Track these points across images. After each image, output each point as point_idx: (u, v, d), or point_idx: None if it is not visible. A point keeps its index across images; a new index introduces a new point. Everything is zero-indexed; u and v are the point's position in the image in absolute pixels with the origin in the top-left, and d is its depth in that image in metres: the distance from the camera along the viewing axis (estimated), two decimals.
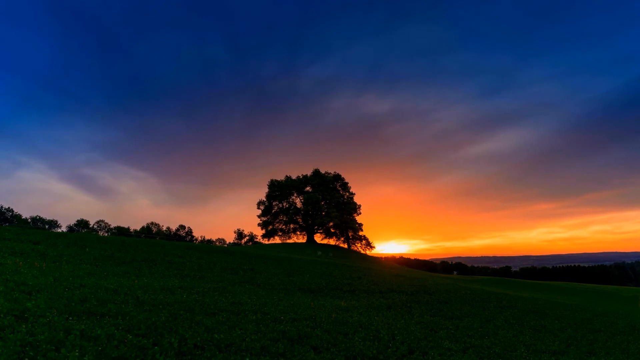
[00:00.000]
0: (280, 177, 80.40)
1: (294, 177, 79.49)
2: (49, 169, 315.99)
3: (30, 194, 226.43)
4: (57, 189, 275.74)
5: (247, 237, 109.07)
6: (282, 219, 79.45)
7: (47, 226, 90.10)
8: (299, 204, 78.51)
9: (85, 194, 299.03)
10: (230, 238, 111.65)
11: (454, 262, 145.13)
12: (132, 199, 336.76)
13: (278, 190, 77.73)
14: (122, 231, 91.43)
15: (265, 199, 78.92)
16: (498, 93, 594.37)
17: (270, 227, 78.20)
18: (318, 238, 79.39)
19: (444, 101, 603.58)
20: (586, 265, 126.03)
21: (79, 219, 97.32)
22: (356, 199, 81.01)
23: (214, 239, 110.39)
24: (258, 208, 79.35)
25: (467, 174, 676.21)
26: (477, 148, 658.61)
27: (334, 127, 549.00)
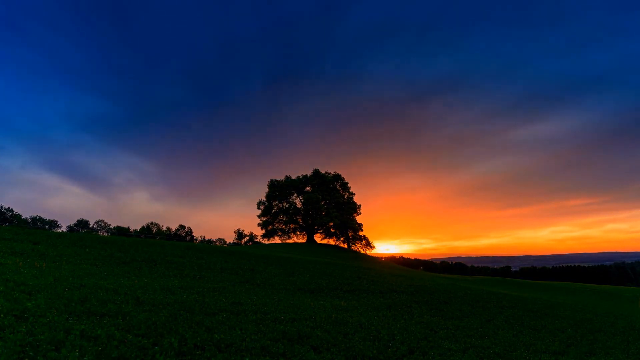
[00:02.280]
0: (285, 174, 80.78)
1: (293, 177, 79.62)
2: (29, 153, 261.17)
3: (14, 187, 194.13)
4: (44, 181, 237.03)
5: (247, 237, 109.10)
6: (282, 219, 79.50)
7: (47, 226, 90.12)
8: (299, 204, 78.55)
9: (76, 186, 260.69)
10: (230, 238, 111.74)
11: (454, 262, 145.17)
12: (128, 191, 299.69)
13: (278, 190, 77.80)
14: (122, 231, 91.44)
15: (265, 199, 79.02)
16: (597, 44, 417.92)
17: (270, 227, 78.24)
18: (318, 238, 79.48)
19: (518, 59, 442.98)
20: (586, 265, 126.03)
21: (78, 219, 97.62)
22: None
23: (214, 239, 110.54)
24: (258, 208, 79.48)
25: (498, 165, 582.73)
26: (526, 131, 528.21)
27: (368, 102, 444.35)
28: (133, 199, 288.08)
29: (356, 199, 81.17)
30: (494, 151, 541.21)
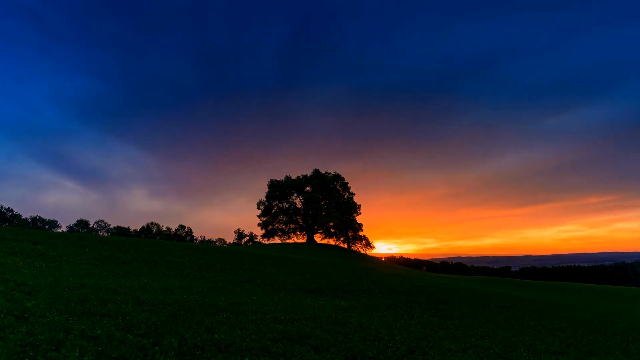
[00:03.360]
0: (285, 174, 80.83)
1: (293, 177, 79.68)
2: (15, 142, 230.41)
3: (2, 181, 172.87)
4: (35, 175, 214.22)
5: (247, 237, 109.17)
6: (282, 219, 79.52)
7: (47, 226, 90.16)
8: (299, 204, 78.58)
9: (70, 181, 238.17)
10: (230, 238, 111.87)
11: (454, 262, 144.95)
12: (125, 187, 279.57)
13: (278, 190, 77.84)
14: (122, 231, 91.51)
15: (265, 199, 79.06)
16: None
17: (270, 227, 78.26)
18: (318, 238, 79.48)
19: (568, 30, 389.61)
20: (586, 265, 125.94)
21: (78, 219, 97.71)
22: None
23: (214, 239, 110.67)
24: (258, 208, 79.52)
25: (513, 161, 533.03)
26: (563, 117, 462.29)
27: (387, 88, 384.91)
28: (131, 195, 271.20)
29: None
30: (511, 146, 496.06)
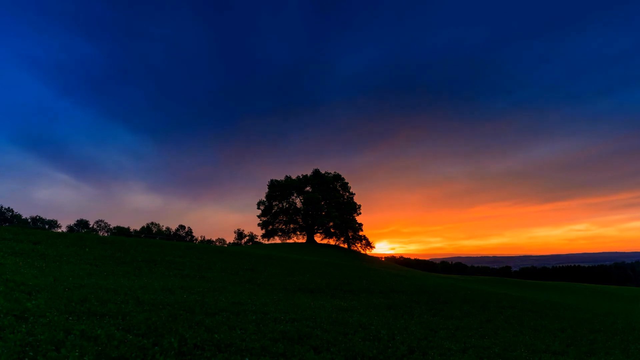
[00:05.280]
0: (285, 174, 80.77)
1: (293, 177, 79.73)
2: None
3: None
4: (22, 164, 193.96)
5: (247, 237, 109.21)
6: (282, 219, 79.67)
7: (47, 226, 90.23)
8: (299, 204, 78.65)
9: (62, 172, 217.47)
10: (230, 238, 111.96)
11: (453, 262, 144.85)
12: (121, 181, 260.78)
13: (278, 190, 77.91)
14: (122, 231, 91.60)
15: (265, 199, 79.12)
16: None
17: (270, 227, 78.39)
18: (318, 238, 79.59)
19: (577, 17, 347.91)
20: (586, 265, 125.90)
21: (78, 219, 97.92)
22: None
23: (214, 238, 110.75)
24: (258, 208, 79.64)
25: (541, 152, 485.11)
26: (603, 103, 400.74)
27: (420, 61, 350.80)
28: (128, 191, 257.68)
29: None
30: (548, 131, 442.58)
